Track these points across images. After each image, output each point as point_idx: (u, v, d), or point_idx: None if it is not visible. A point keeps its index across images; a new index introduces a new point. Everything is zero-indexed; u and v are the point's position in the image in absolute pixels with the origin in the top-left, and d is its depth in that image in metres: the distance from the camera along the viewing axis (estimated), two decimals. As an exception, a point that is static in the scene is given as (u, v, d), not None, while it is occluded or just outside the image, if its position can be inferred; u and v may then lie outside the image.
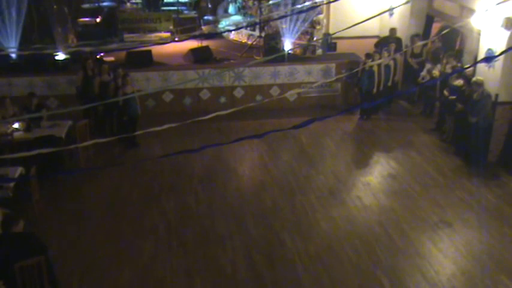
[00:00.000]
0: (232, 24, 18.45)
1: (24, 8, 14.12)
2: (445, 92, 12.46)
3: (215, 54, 15.84)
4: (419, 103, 14.92)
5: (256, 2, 17.57)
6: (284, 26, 15.05)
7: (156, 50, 15.28)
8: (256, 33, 16.94)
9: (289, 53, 14.86)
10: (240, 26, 17.87)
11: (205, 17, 19.54)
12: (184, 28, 18.02)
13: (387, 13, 15.25)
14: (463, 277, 8.25)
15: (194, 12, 19.74)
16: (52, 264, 7.67)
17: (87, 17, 18.61)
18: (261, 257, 8.77)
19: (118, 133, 12.28)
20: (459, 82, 12.08)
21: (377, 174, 11.63)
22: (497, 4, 10.21)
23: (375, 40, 15.90)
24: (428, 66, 13.71)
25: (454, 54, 13.37)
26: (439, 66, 13.46)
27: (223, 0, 19.85)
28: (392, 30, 15.13)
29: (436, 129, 13.46)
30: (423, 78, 13.66)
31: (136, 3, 20.97)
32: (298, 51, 15.68)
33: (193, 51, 15.64)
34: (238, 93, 14.91)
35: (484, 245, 9.03)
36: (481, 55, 11.72)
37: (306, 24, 15.23)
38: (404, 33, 15.22)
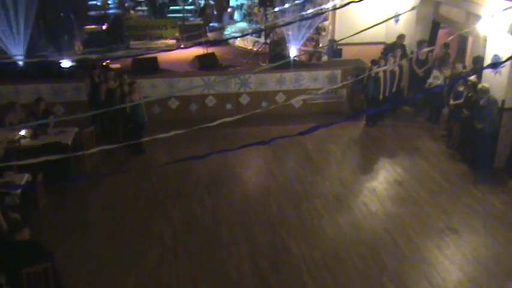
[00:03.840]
0: (237, 31, 18.51)
1: (32, 16, 14.20)
2: (452, 101, 12.47)
3: (221, 61, 15.87)
4: (425, 109, 14.89)
5: (261, 9, 17.62)
6: (289, 33, 15.07)
7: (162, 56, 15.33)
8: (262, 39, 16.98)
9: (294, 60, 14.87)
10: (245, 32, 17.90)
11: (211, 24, 19.64)
12: (190, 35, 18.08)
13: (393, 19, 15.24)
14: (470, 284, 8.22)
15: (200, 19, 19.83)
16: (58, 271, 7.71)
17: (93, 24, 18.71)
18: (266, 263, 8.76)
19: (124, 140, 12.30)
20: (461, 88, 12.14)
21: (383, 181, 11.61)
22: (504, 10, 10.21)
23: (380, 46, 15.91)
24: (435, 72, 13.69)
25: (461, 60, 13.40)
26: (445, 72, 13.47)
27: (229, 7, 19.92)
28: (401, 37, 15.10)
29: (447, 136, 13.38)
30: (430, 85, 13.65)
31: (143, 11, 21.12)
32: (303, 57, 15.69)
33: (199, 58, 15.69)
34: (244, 99, 14.92)
35: (491, 251, 9.00)
36: (488, 61, 11.71)
37: (312, 31, 15.24)
38: (410, 40, 15.20)
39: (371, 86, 14.02)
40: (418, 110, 15.15)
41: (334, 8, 14.50)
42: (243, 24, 18.94)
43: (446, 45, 14.21)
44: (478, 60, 12.64)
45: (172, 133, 6.53)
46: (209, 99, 14.81)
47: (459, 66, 13.30)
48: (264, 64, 15.26)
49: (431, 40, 15.18)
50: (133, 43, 17.62)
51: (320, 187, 11.31)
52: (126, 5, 21.53)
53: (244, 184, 11.55)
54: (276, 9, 16.20)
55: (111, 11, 20.79)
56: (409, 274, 8.48)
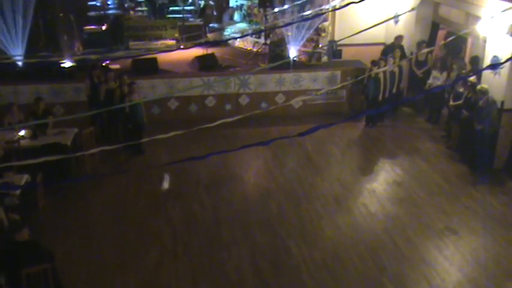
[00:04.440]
0: (237, 31, 18.48)
1: (31, 16, 14.20)
2: (451, 102, 12.47)
3: (220, 62, 15.85)
4: (425, 110, 14.89)
5: (261, 10, 17.61)
6: (289, 33, 15.07)
7: (161, 57, 15.30)
8: (262, 40, 16.98)
9: (294, 60, 14.86)
10: (245, 33, 17.89)
11: (211, 25, 19.59)
12: (190, 35, 18.07)
13: (392, 20, 15.25)
14: (469, 285, 8.23)
15: (199, 19, 19.78)
16: (57, 272, 7.71)
17: (93, 25, 18.68)
18: (266, 264, 8.76)
19: (124, 140, 12.30)
20: (461, 88, 12.15)
21: (382, 182, 11.62)
22: (503, 11, 10.22)
23: (380, 47, 15.89)
24: (434, 73, 13.70)
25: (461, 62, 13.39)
26: (445, 73, 13.47)
27: (229, 7, 19.90)
28: (399, 38, 15.08)
29: (447, 136, 13.38)
30: (429, 86, 13.65)
31: (142, 11, 21.06)
32: (303, 58, 15.69)
33: (198, 58, 15.68)
34: (244, 100, 14.93)
35: (490, 252, 9.01)
36: (487, 62, 11.72)
37: (311, 32, 15.23)
38: (410, 41, 15.20)
39: (371, 86, 14.02)
40: (418, 111, 15.16)
41: (334, 9, 14.51)
42: (242, 25, 18.91)
43: (446, 46, 14.20)
44: (476, 61, 12.64)
45: (172, 134, 6.53)
46: (209, 100, 14.81)
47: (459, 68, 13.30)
48: (263, 65, 15.25)
49: (431, 41, 15.17)
50: (132, 44, 17.57)
51: (320, 188, 11.32)
52: (126, 5, 21.47)
53: (244, 185, 11.55)
54: (276, 9, 16.20)
55: (110, 12, 20.72)
56: (409, 275, 8.49)
